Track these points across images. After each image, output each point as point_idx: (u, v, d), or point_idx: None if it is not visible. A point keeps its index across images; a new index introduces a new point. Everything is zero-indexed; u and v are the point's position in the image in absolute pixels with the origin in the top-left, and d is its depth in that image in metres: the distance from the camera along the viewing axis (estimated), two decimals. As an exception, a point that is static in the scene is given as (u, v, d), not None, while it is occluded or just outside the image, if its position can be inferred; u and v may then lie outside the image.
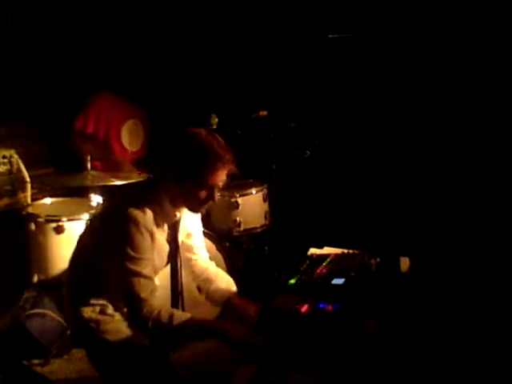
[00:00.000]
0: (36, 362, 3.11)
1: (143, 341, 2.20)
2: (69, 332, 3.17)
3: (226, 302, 2.40)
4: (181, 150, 2.14)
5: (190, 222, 2.44)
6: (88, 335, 2.23)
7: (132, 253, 2.06)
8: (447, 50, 3.75)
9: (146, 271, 2.09)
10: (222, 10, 4.36)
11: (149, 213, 2.10)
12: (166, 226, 2.25)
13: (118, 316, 2.24)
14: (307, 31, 4.22)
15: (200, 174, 2.10)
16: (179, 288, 2.37)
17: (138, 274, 2.07)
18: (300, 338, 1.85)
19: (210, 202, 2.20)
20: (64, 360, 3.16)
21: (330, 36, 4.13)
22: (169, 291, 2.40)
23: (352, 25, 4.04)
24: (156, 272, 2.24)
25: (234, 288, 2.45)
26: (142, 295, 2.06)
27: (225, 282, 2.47)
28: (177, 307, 2.35)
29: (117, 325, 2.22)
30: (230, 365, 2.03)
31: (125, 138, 3.96)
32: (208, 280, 2.47)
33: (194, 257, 2.51)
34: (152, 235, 2.11)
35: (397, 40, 3.91)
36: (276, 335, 1.88)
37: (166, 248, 2.28)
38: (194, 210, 2.27)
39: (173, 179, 2.15)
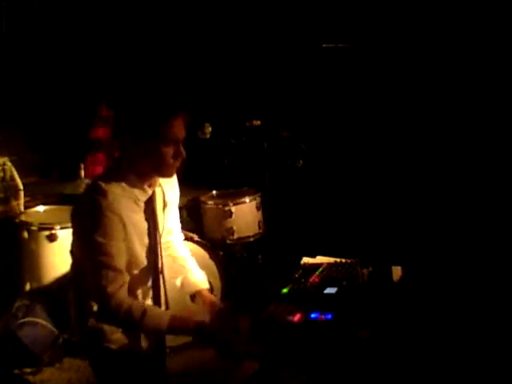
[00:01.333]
0: (28, 370, 3.09)
1: (147, 351, 2.18)
2: (61, 340, 3.16)
3: (196, 294, 2.37)
4: (128, 110, 2.09)
5: (171, 193, 2.32)
6: (92, 344, 2.19)
7: (100, 239, 1.95)
8: (442, 60, 3.78)
9: (116, 263, 1.98)
10: (216, 19, 4.38)
11: (112, 194, 2.00)
12: (141, 204, 2.12)
13: None
14: (301, 41, 4.24)
15: (157, 128, 2.02)
16: (159, 266, 2.23)
17: (106, 266, 1.96)
18: (293, 348, 1.85)
19: (180, 160, 2.09)
20: (56, 369, 3.15)
21: (325, 45, 4.15)
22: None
23: (346, 34, 4.06)
24: (139, 253, 2.12)
25: (205, 283, 2.40)
26: (109, 289, 1.95)
27: (200, 274, 2.41)
28: (157, 288, 2.23)
29: (121, 335, 2.16)
30: (224, 373, 2.03)
31: None
32: (184, 267, 2.41)
33: (171, 238, 2.44)
34: (120, 217, 2.00)
35: (391, 50, 3.94)
36: (268, 345, 1.88)
37: (146, 227, 2.14)
38: (165, 172, 2.13)
39: (133, 146, 2.06)
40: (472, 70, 3.67)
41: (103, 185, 2.02)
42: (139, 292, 2.16)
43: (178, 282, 2.40)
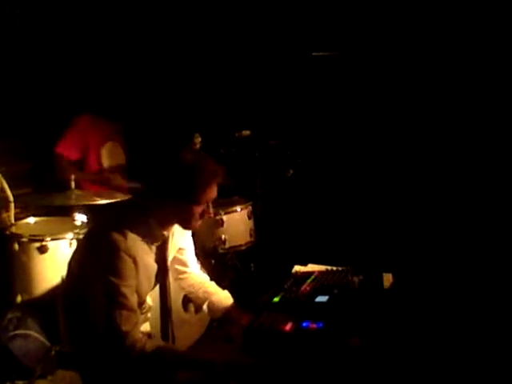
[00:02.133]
0: (20, 383, 3.07)
1: None
2: (53, 353, 3.14)
3: (225, 314, 2.42)
4: (171, 172, 2.09)
5: (182, 238, 2.42)
6: (85, 358, 2.20)
7: (114, 280, 1.98)
8: (432, 66, 3.81)
9: (129, 302, 2.00)
10: (204, 29, 4.39)
11: (131, 237, 2.04)
12: (153, 247, 2.20)
13: None
14: (291, 49, 4.26)
15: (195, 193, 2.08)
16: (168, 307, 2.35)
17: (121, 306, 1.98)
18: (285, 357, 1.85)
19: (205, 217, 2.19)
20: (48, 381, 3.12)
21: (314, 54, 4.17)
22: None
23: (336, 43, 4.08)
24: (145, 294, 2.20)
25: (232, 300, 2.47)
26: (124, 328, 1.96)
27: (224, 294, 2.50)
28: (166, 326, 2.32)
29: None
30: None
31: (105, 161, 3.91)
32: (207, 292, 2.48)
33: (188, 270, 2.52)
34: (135, 260, 2.03)
35: (382, 58, 3.96)
36: (260, 354, 1.88)
37: (155, 269, 2.22)
38: (188, 226, 2.24)
39: (164, 201, 2.10)
40: (466, 77, 3.69)
41: (124, 227, 2.05)
42: None
43: (205, 307, 2.47)
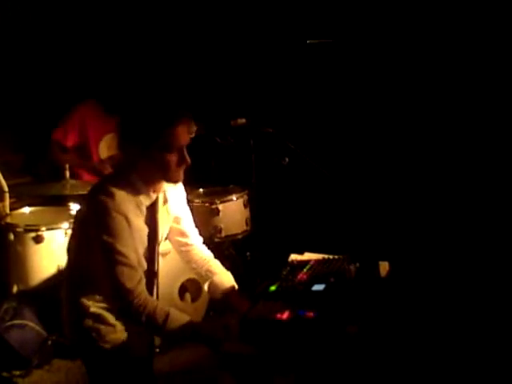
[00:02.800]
0: (17, 373, 3.07)
1: (142, 352, 2.19)
2: (49, 342, 3.15)
3: (224, 296, 2.39)
4: (132, 119, 2.10)
5: (175, 205, 2.37)
6: (88, 345, 2.18)
7: (110, 239, 1.98)
8: (427, 54, 3.79)
9: (129, 260, 2.00)
10: (200, 18, 4.36)
11: (119, 195, 2.02)
12: (143, 208, 2.15)
13: (119, 326, 2.17)
14: (285, 37, 4.24)
15: (162, 137, 2.04)
16: (155, 271, 2.29)
17: (121, 263, 1.98)
18: (282, 346, 1.86)
19: (185, 166, 2.13)
20: (45, 371, 3.13)
21: (309, 41, 4.15)
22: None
23: (331, 30, 4.06)
24: (142, 258, 2.14)
25: (234, 284, 2.44)
26: (128, 285, 1.97)
27: (227, 276, 2.45)
28: (151, 292, 2.26)
29: (118, 335, 2.16)
30: (211, 372, 2.03)
31: (103, 152, 3.89)
32: (210, 271, 2.43)
33: (189, 241, 2.47)
34: (127, 218, 2.02)
35: (377, 45, 3.94)
36: (258, 343, 1.89)
37: (146, 231, 2.17)
38: (171, 178, 2.16)
39: (138, 153, 2.08)
40: (464, 64, 3.68)
41: (109, 186, 2.04)
42: None
43: (206, 287, 2.44)
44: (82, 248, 2.14)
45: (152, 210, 2.19)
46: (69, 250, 2.28)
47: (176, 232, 2.44)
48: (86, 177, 3.79)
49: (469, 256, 3.47)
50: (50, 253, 3.17)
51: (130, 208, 2.07)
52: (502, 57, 3.57)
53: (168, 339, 2.09)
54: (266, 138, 3.69)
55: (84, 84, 4.03)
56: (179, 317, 2.05)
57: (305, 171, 3.76)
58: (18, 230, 3.17)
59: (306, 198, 4.18)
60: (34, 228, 3.16)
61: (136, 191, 2.10)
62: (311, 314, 1.91)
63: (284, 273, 2.29)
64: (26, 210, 3.50)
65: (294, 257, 2.57)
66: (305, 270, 2.29)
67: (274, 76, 4.26)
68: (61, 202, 3.48)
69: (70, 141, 3.79)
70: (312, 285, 2.11)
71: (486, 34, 3.58)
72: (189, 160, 2.12)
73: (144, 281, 2.06)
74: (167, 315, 2.00)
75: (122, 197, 2.04)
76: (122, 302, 2.01)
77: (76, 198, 3.42)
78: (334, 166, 3.91)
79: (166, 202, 2.29)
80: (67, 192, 3.31)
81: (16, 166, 4.05)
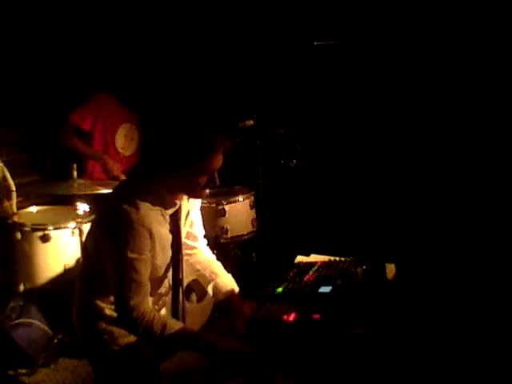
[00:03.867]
0: (22, 371, 3.09)
1: (152, 356, 2.17)
2: (55, 341, 3.16)
3: (228, 298, 2.41)
4: (174, 140, 2.05)
5: (193, 211, 2.39)
6: (99, 347, 2.19)
7: (130, 255, 1.97)
8: (434, 56, 3.79)
9: (140, 276, 2.01)
10: (208, 19, 4.37)
11: (143, 207, 2.02)
12: (167, 217, 2.16)
13: None
14: (293, 38, 4.24)
15: (198, 162, 2.03)
16: (181, 278, 2.31)
17: (131, 279, 1.99)
18: (288, 347, 1.86)
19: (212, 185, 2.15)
20: (51, 370, 3.15)
21: (316, 43, 4.15)
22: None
23: (338, 32, 4.06)
24: (162, 266, 2.18)
25: (236, 287, 2.45)
26: (132, 302, 1.98)
27: (229, 278, 2.47)
28: (177, 299, 2.30)
29: (130, 339, 2.17)
30: (217, 373, 2.03)
31: (119, 142, 3.89)
32: (214, 273, 2.45)
33: (197, 245, 2.49)
34: (150, 230, 2.02)
35: (384, 47, 3.94)
36: (264, 344, 1.89)
37: (170, 239, 2.19)
38: (195, 196, 2.22)
39: (169, 170, 2.06)
40: (467, 65, 3.68)
41: (135, 197, 2.03)
42: (150, 299, 2.16)
43: (210, 289, 2.45)
44: (98, 251, 2.13)
45: (175, 218, 2.21)
46: (84, 250, 2.29)
47: (187, 235, 2.45)
48: (97, 175, 3.79)
49: (475, 258, 3.46)
50: (56, 252, 3.19)
51: (155, 218, 2.07)
52: (502, 59, 3.56)
53: (166, 349, 2.07)
54: (273, 140, 3.69)
55: (92, 80, 4.04)
56: (176, 326, 2.05)
57: (312, 173, 3.77)
58: (25, 228, 3.19)
59: (313, 200, 4.17)
60: (41, 227, 3.18)
61: (162, 201, 2.11)
62: (318, 315, 1.91)
63: (291, 274, 2.29)
64: (34, 209, 3.51)
65: (300, 258, 2.58)
66: (311, 271, 2.29)
67: (282, 78, 4.26)
68: (68, 201, 3.49)
69: (87, 124, 3.76)
70: (319, 287, 2.11)
71: (488, 38, 3.57)
72: (218, 182, 2.14)
73: (148, 298, 2.07)
74: (164, 326, 2.00)
75: (148, 208, 2.04)
76: (122, 314, 2.04)
77: (83, 198, 3.43)
78: (340, 167, 3.92)
79: (188, 213, 2.32)
80: (75, 191, 3.32)
81: (24, 164, 4.06)
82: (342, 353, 1.81)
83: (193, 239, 2.48)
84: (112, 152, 3.88)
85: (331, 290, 2.07)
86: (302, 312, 1.94)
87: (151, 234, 2.03)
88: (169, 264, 2.24)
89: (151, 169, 2.12)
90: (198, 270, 2.49)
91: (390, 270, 2.36)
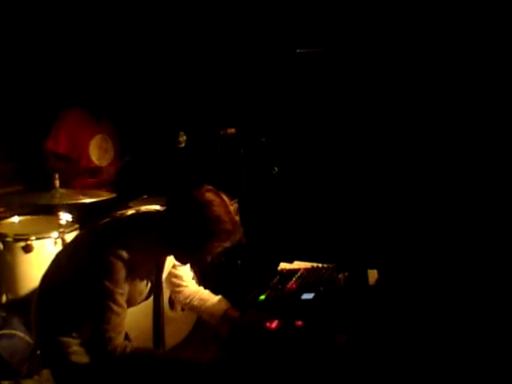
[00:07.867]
0: (6, 383, 3.06)
1: None
2: (39, 352, 3.13)
3: (223, 315, 2.43)
4: (189, 222, 2.09)
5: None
6: (55, 356, 2.20)
7: (110, 287, 2.01)
8: (417, 64, 3.81)
9: (120, 309, 2.04)
10: (190, 28, 4.38)
11: (134, 249, 2.06)
12: (151, 264, 2.22)
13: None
14: (275, 46, 4.26)
15: (208, 245, 2.11)
16: (161, 323, 2.36)
17: (111, 311, 2.01)
18: (271, 355, 1.86)
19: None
20: (34, 381, 3.11)
21: (298, 51, 4.17)
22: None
23: (320, 39, 4.08)
24: (132, 305, 2.21)
25: (225, 302, 2.50)
26: (108, 334, 2.01)
27: (217, 298, 2.53)
28: (158, 344, 2.35)
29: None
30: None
31: (93, 154, 3.95)
32: (202, 299, 2.52)
33: (183, 283, 2.54)
34: (132, 268, 2.06)
35: (368, 54, 3.96)
36: (247, 352, 1.89)
37: (149, 283, 2.25)
38: (195, 268, 2.42)
39: (176, 246, 2.14)
40: (457, 76, 3.70)
41: (129, 237, 2.08)
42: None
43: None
44: (70, 282, 2.14)
45: (160, 267, 2.29)
46: (49, 277, 2.29)
47: (173, 275, 2.51)
48: (80, 187, 3.80)
49: (458, 263, 3.49)
50: (39, 262, 3.15)
51: (140, 262, 2.11)
52: (502, 61, 3.58)
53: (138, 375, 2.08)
54: (255, 148, 3.70)
55: (74, 91, 4.05)
56: (150, 351, 2.14)
57: (294, 180, 3.78)
58: (7, 239, 3.15)
59: (296, 207, 4.19)
60: (23, 237, 3.15)
61: (151, 252, 2.17)
62: (300, 322, 1.92)
63: (273, 282, 2.30)
64: (16, 219, 3.48)
65: (283, 265, 2.59)
66: (294, 279, 2.30)
67: (264, 85, 4.27)
68: (50, 211, 3.47)
69: (62, 147, 3.84)
70: (301, 294, 2.13)
71: (485, 37, 3.59)
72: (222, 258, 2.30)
73: (124, 331, 2.09)
74: (136, 351, 2.06)
75: (136, 252, 2.07)
76: (97, 346, 2.05)
77: (65, 207, 3.41)
78: (322, 175, 3.94)
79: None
80: (57, 201, 3.30)
81: (6, 175, 4.03)
82: (324, 359, 1.82)
83: (178, 279, 2.53)
84: (90, 164, 3.95)
85: (314, 297, 2.08)
86: (285, 319, 1.95)
87: (133, 272, 2.07)
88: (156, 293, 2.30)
89: (156, 231, 2.15)
90: (188, 304, 2.55)
91: (372, 275, 2.38)
